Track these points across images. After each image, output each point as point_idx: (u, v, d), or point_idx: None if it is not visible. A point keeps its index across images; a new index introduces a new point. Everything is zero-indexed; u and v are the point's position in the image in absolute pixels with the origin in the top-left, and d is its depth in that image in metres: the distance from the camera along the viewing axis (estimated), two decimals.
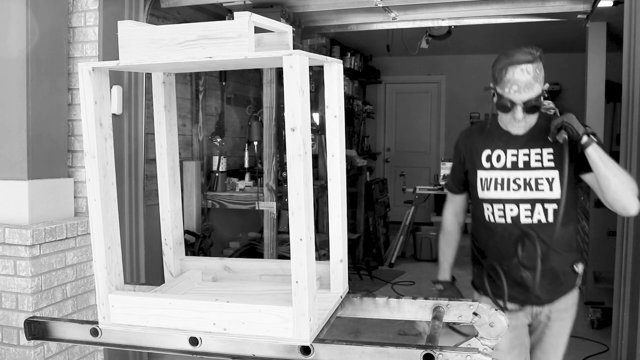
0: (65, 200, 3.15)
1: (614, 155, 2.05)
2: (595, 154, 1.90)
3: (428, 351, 1.28)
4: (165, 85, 1.66)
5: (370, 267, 6.15)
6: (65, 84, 3.17)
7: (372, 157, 9.03)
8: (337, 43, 7.52)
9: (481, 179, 2.13)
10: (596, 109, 5.18)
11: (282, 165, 4.36)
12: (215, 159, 4.74)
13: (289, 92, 1.25)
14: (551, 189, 2.02)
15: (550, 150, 2.04)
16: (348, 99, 7.89)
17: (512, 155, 2.09)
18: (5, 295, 2.84)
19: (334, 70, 1.57)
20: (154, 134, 1.70)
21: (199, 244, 4.37)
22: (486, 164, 2.13)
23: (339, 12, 4.74)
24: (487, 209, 2.12)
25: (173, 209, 1.74)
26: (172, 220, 1.74)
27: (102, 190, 1.45)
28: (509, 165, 2.09)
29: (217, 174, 4.70)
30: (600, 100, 5.24)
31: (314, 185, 1.59)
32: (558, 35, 6.12)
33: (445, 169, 6.82)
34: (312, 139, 1.41)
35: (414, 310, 1.59)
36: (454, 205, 2.36)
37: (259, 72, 5.00)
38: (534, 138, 2.07)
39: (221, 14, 4.51)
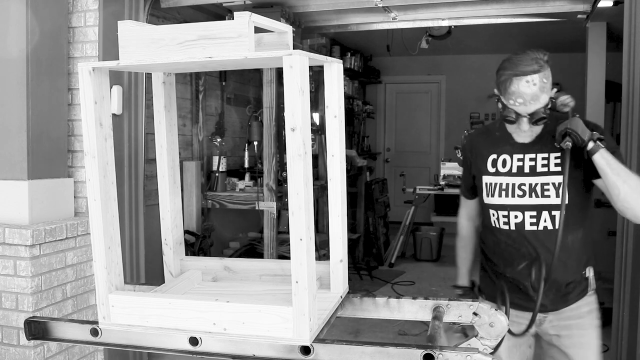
0: (65, 200, 3.15)
1: None
2: (602, 161, 1.82)
3: (428, 351, 1.27)
4: (165, 85, 1.66)
5: (370, 267, 6.15)
6: (65, 84, 3.17)
7: (372, 157, 9.03)
8: (337, 43, 7.52)
9: (486, 184, 2.07)
10: (596, 109, 5.18)
11: (282, 165, 4.36)
12: (215, 159, 4.74)
13: (289, 92, 1.25)
14: (557, 195, 1.94)
15: (558, 154, 1.95)
16: (348, 99, 7.89)
17: (518, 160, 2.02)
18: (5, 295, 2.84)
19: (334, 70, 1.57)
20: (154, 134, 1.70)
21: (199, 244, 4.37)
22: (491, 169, 2.07)
23: (339, 12, 4.74)
24: (493, 214, 2.06)
25: (173, 208, 1.74)
26: (172, 220, 1.74)
27: (102, 190, 1.45)
28: (514, 170, 2.02)
29: (217, 174, 4.70)
30: (600, 100, 5.25)
31: (314, 185, 1.59)
32: (558, 35, 6.12)
33: (445, 169, 6.83)
34: (312, 139, 1.41)
35: (414, 310, 1.59)
36: (468, 209, 2.29)
37: (259, 72, 5.00)
38: (542, 142, 2.00)
39: (221, 14, 4.51)
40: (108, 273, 1.46)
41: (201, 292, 1.71)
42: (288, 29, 1.49)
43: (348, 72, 7.87)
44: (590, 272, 2.06)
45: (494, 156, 2.07)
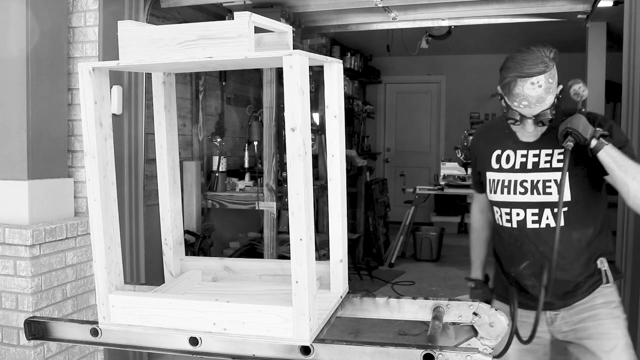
0: (65, 200, 3.15)
1: None
2: (607, 158, 1.74)
3: (428, 351, 1.28)
4: (165, 85, 1.66)
5: (370, 267, 6.15)
6: (65, 84, 3.17)
7: (372, 157, 9.03)
8: (337, 43, 7.52)
9: (490, 181, 2.04)
10: (596, 109, 5.15)
11: (282, 165, 4.36)
12: (215, 159, 4.74)
13: (289, 92, 1.25)
14: (559, 192, 1.86)
15: (562, 150, 1.87)
16: (348, 99, 7.89)
17: (522, 156, 1.97)
18: (5, 295, 2.84)
19: (334, 70, 1.57)
20: (154, 134, 1.70)
21: (199, 244, 4.37)
22: (495, 165, 2.03)
23: (339, 12, 4.74)
24: (496, 212, 2.03)
25: (173, 209, 1.74)
26: (172, 220, 1.74)
27: (102, 190, 1.45)
28: (517, 166, 1.97)
29: (217, 174, 4.70)
30: (600, 100, 5.25)
31: (314, 185, 1.59)
32: (558, 35, 6.11)
33: (445, 169, 6.83)
34: (312, 139, 1.41)
35: (414, 310, 1.59)
36: (479, 202, 2.25)
37: (259, 72, 5.01)
38: (547, 138, 1.93)
39: (221, 14, 4.51)
40: (108, 273, 1.46)
41: (201, 292, 1.71)
42: (288, 29, 1.49)
43: (348, 72, 7.88)
44: (604, 265, 1.96)
45: (498, 152, 2.03)
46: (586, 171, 1.89)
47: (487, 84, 7.92)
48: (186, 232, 4.31)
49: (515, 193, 1.96)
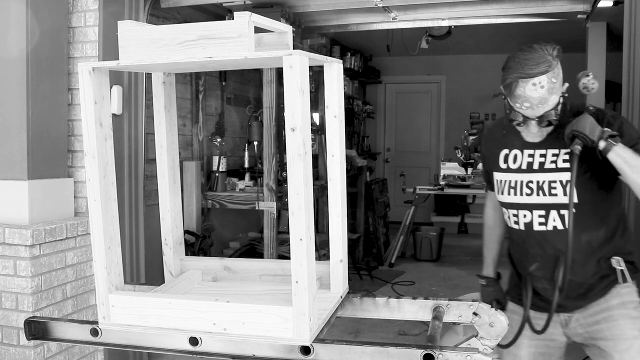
0: (65, 200, 3.15)
1: None
2: (617, 159, 1.69)
3: (428, 351, 1.28)
4: (165, 85, 1.66)
5: (370, 267, 6.15)
6: (65, 84, 3.17)
7: (372, 157, 9.03)
8: (337, 43, 7.52)
9: (497, 181, 2.00)
10: None
11: (282, 165, 4.36)
12: (215, 159, 4.74)
13: (289, 92, 1.25)
14: (565, 193, 1.82)
15: (569, 150, 1.81)
16: (348, 99, 7.89)
17: (529, 155, 1.92)
18: (5, 295, 2.84)
19: (334, 70, 1.57)
20: (154, 134, 1.70)
21: (199, 244, 4.37)
22: (503, 165, 1.98)
23: (339, 12, 4.74)
24: (505, 213, 2.00)
25: (173, 209, 1.74)
26: (172, 220, 1.74)
27: (102, 190, 1.45)
28: (524, 166, 1.92)
29: (217, 174, 4.70)
30: (600, 100, 5.25)
31: (314, 185, 1.59)
32: (558, 35, 6.10)
33: (445, 169, 6.83)
34: (312, 139, 1.41)
35: (414, 310, 1.59)
36: (492, 200, 2.17)
37: (259, 72, 5.00)
38: (553, 137, 1.88)
39: (221, 14, 4.51)
40: (108, 273, 1.46)
41: (201, 292, 1.71)
42: (288, 29, 1.49)
43: (348, 72, 7.87)
44: (620, 264, 1.89)
45: (505, 151, 1.99)
46: (594, 171, 1.83)
47: (487, 84, 7.93)
48: (186, 232, 4.31)
49: (521, 194, 1.92)
